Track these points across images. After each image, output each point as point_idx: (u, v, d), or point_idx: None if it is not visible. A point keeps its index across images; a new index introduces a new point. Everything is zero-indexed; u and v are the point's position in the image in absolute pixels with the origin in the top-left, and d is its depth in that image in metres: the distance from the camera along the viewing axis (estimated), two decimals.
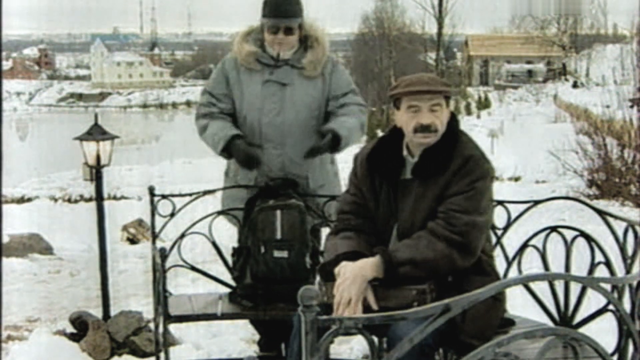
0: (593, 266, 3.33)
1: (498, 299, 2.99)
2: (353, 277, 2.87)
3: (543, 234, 3.53)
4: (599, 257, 3.31)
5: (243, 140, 4.01)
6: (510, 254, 3.65)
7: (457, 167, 2.96)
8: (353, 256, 2.97)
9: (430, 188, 2.99)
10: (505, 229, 3.69)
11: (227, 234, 4.35)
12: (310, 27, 4.15)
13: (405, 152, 3.10)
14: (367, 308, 2.88)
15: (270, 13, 4.07)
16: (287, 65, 4.09)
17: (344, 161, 4.16)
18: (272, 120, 4.06)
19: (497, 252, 3.64)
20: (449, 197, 2.95)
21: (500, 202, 3.70)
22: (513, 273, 3.56)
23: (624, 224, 3.22)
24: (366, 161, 3.14)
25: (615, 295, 2.82)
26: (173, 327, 4.28)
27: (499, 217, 3.67)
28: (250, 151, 4.00)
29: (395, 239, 3.05)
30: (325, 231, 3.78)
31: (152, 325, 4.44)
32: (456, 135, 3.06)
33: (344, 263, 2.93)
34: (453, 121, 3.10)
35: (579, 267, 3.39)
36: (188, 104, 73.24)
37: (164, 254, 3.67)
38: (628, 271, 3.19)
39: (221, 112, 4.12)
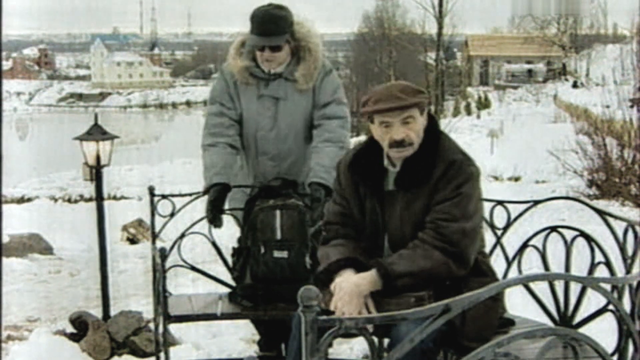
0: (593, 266, 3.32)
1: (496, 299, 2.97)
2: (350, 295, 2.83)
3: (543, 234, 3.52)
4: (599, 257, 3.31)
5: (216, 191, 3.97)
6: (510, 254, 3.65)
7: (440, 173, 2.91)
8: (348, 263, 2.94)
9: (415, 198, 2.95)
10: (505, 229, 3.69)
11: (227, 234, 4.35)
12: (303, 37, 4.07)
13: (386, 162, 3.04)
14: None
15: (254, 31, 4.00)
16: (281, 78, 4.07)
17: None
18: (266, 135, 4.08)
19: (497, 252, 3.64)
20: (436, 205, 2.90)
21: (500, 202, 3.70)
22: (513, 273, 3.56)
23: (624, 224, 3.22)
24: (348, 171, 3.10)
25: (615, 295, 2.82)
26: (173, 327, 4.28)
27: (498, 217, 3.67)
28: (215, 208, 3.96)
29: (389, 249, 3.02)
30: None
31: (152, 325, 4.44)
32: (437, 141, 2.99)
33: (339, 279, 2.89)
34: (433, 125, 3.02)
35: (579, 267, 3.39)
36: (188, 104, 73.35)
37: (164, 254, 3.67)
38: (628, 271, 3.19)
39: (231, 121, 4.12)
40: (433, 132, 3.01)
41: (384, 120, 2.94)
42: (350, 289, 2.84)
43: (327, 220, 3.17)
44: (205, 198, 4.04)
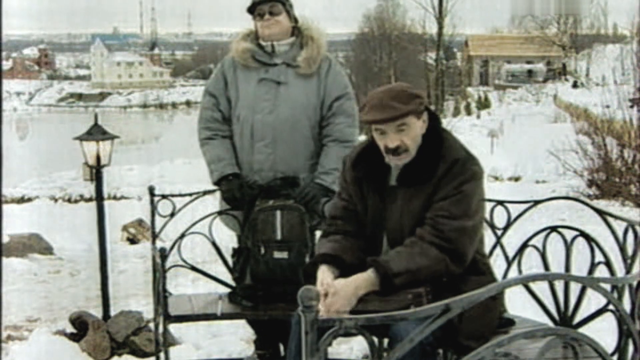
0: (593, 266, 3.32)
1: (495, 299, 2.97)
2: (347, 297, 2.79)
3: (543, 234, 3.52)
4: (599, 257, 3.31)
5: (233, 181, 4.01)
6: (510, 254, 3.65)
7: (442, 172, 2.91)
8: (330, 259, 2.94)
9: (416, 194, 2.95)
10: (505, 229, 3.69)
11: (227, 234, 4.36)
12: (307, 28, 4.15)
13: (387, 159, 3.02)
14: (365, 311, 2.85)
15: (255, 1, 4.11)
16: (283, 64, 4.09)
17: None
18: (264, 118, 4.05)
19: (497, 252, 3.65)
20: (436, 202, 2.91)
21: (500, 202, 3.70)
22: (513, 273, 3.56)
23: (624, 224, 3.22)
24: (352, 168, 3.11)
25: (615, 295, 2.82)
26: (173, 327, 4.28)
27: (498, 217, 3.67)
28: (237, 194, 4.00)
29: (387, 245, 3.03)
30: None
31: (152, 325, 4.45)
32: (440, 139, 2.99)
33: (336, 281, 2.85)
34: (436, 124, 3.03)
35: (579, 267, 3.39)
36: (188, 104, 73.20)
37: (164, 254, 3.67)
38: (628, 271, 3.19)
39: (223, 118, 4.12)
40: (436, 130, 3.02)
41: (378, 128, 2.96)
42: (346, 291, 2.81)
43: (331, 214, 3.19)
44: (205, 198, 4.05)
